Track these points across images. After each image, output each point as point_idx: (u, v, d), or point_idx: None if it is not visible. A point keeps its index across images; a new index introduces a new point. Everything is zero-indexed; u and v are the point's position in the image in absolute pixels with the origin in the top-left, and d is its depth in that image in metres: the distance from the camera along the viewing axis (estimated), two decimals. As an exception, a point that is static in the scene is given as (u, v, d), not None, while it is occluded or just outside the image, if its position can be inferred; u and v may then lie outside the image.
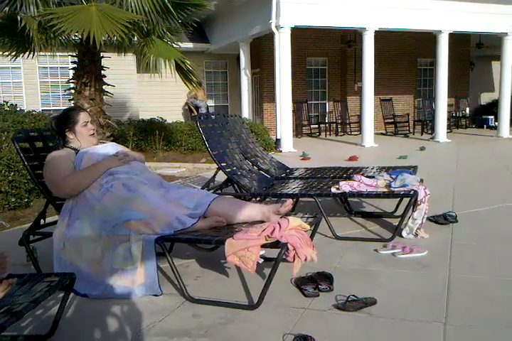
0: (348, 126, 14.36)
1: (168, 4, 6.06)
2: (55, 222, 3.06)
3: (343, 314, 2.43)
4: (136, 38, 6.41)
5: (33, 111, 9.08)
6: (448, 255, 3.31)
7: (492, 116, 15.31)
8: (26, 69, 11.72)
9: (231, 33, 12.38)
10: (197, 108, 13.53)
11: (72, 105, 6.51)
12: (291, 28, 10.07)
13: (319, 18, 10.19)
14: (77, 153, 3.01)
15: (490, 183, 6.11)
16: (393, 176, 3.96)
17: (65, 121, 3.07)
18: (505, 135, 12.50)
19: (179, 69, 6.54)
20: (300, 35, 12.10)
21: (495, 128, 13.57)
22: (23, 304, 1.87)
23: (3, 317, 1.76)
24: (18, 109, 8.83)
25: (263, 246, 2.52)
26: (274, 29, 10.06)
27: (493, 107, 14.57)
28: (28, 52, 6.32)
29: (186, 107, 14.03)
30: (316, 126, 14.15)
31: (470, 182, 6.22)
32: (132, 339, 2.25)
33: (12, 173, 4.93)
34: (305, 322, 2.37)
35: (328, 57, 14.64)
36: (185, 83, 6.89)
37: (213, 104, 15.03)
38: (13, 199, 4.84)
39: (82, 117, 3.09)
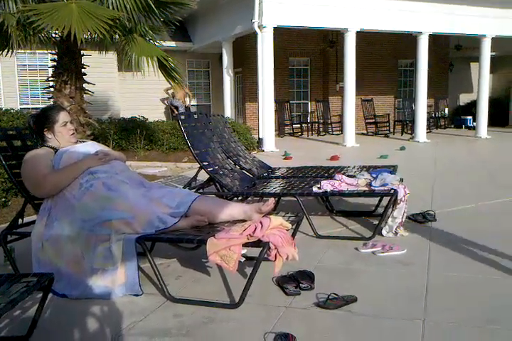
0: (329, 126, 14.45)
1: (151, 2, 6.01)
2: (33, 222, 3.01)
3: (324, 312, 2.45)
4: (117, 36, 6.34)
5: (11, 109, 8.92)
6: (427, 253, 3.36)
7: (470, 117, 15.58)
8: (4, 67, 11.51)
9: (214, 32, 12.35)
10: (176, 108, 13.48)
11: (52, 103, 6.41)
12: (274, 27, 10.09)
13: (302, 18, 10.23)
14: (56, 152, 2.96)
15: (468, 182, 6.21)
16: (374, 175, 4.00)
17: (43, 120, 3.02)
18: (483, 135, 12.73)
19: (162, 66, 6.50)
20: (283, 35, 12.14)
21: (473, 128, 13.82)
22: (0, 305, 1.84)
23: (-21, 318, 1.73)
24: (-5, 107, 8.68)
25: (245, 245, 2.53)
26: (256, 29, 10.07)
27: (472, 108, 14.83)
28: (6, 50, 6.21)
29: (166, 102, 13.94)
30: (298, 125, 14.21)
31: (448, 181, 6.31)
32: (112, 340, 2.23)
33: (-11, 172, 4.85)
34: (286, 320, 2.38)
35: (310, 57, 14.71)
36: (168, 80, 6.85)
37: (196, 104, 14.97)
38: (-10, 199, 4.76)
39: (62, 117, 3.04)
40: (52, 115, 3.02)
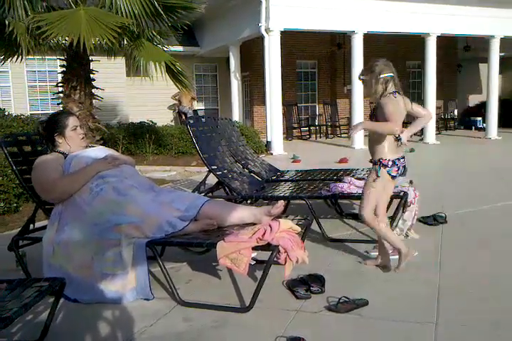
0: (338, 129, 14.41)
1: (159, 7, 6.04)
2: (44, 227, 3.03)
3: (334, 315, 2.44)
4: (125, 42, 6.39)
5: (21, 115, 9.00)
6: (438, 256, 3.34)
7: (480, 118, 15.46)
8: (14, 73, 11.62)
9: (221, 37, 12.39)
10: (185, 114, 13.53)
11: (61, 109, 6.46)
12: (281, 31, 10.10)
13: (308, 21, 10.23)
14: (65, 157, 2.99)
15: (479, 184, 6.16)
16: (383, 178, 3.97)
17: (53, 125, 3.04)
18: (493, 136, 12.63)
19: (169, 71, 6.53)
20: (289, 38, 12.13)
21: (483, 129, 13.70)
22: (12, 309, 1.85)
23: (-8, 323, 1.74)
24: (6, 113, 8.75)
25: (254, 248, 2.53)
26: (263, 32, 10.09)
27: (481, 109, 14.72)
28: (16, 56, 6.27)
29: (175, 110, 13.99)
30: (306, 128, 14.18)
31: (459, 183, 6.27)
32: (124, 344, 2.24)
33: (0, 178, 4.88)
34: (297, 324, 2.37)
35: (317, 60, 14.70)
36: (176, 85, 6.88)
37: (203, 108, 15.01)
38: (1, 204, 4.79)
39: (72, 121, 3.06)
40: (62, 120, 3.05)
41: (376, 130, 2.97)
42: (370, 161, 3.07)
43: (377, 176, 2.96)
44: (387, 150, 2.95)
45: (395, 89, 2.94)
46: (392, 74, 2.96)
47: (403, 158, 3.00)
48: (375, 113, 3.02)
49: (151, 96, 13.37)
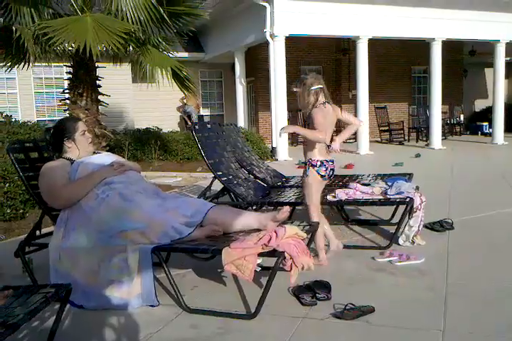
0: (343, 134, 14.38)
1: (164, 14, 6.09)
2: (50, 233, 3.04)
3: (341, 322, 2.42)
4: (131, 48, 6.43)
5: (28, 121, 9.07)
6: (445, 262, 3.31)
7: (486, 123, 15.39)
8: (21, 80, 11.71)
9: (226, 42, 12.44)
10: (189, 116, 13.56)
11: (67, 115, 6.50)
12: (286, 36, 10.13)
13: (313, 26, 10.26)
14: (72, 164, 3.00)
15: (485, 190, 6.13)
16: (389, 183, 3.97)
17: (62, 130, 3.06)
18: (500, 141, 12.56)
19: (175, 77, 6.56)
20: (294, 43, 12.17)
21: (489, 134, 13.64)
22: (19, 316, 1.85)
23: (-2, 329, 1.74)
24: (13, 119, 8.81)
25: (260, 254, 2.52)
26: (268, 38, 10.12)
27: (488, 114, 14.66)
28: (23, 63, 6.33)
29: (181, 114, 14.05)
30: (312, 134, 14.16)
31: (465, 189, 6.24)
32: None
33: (7, 184, 4.91)
34: (303, 331, 2.36)
35: (322, 65, 14.71)
36: (182, 90, 6.91)
37: (209, 113, 15.05)
38: (8, 211, 4.82)
39: (80, 126, 3.11)
40: (71, 125, 3.09)
41: (305, 135, 3.29)
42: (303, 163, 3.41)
43: (306, 175, 3.31)
44: (317, 153, 3.29)
45: (325, 100, 3.28)
46: (321, 86, 3.28)
47: (332, 161, 3.35)
48: (308, 121, 3.32)
49: (157, 102, 13.42)
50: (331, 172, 3.35)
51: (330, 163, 3.33)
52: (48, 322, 2.52)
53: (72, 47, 5.91)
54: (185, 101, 13.51)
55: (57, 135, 3.07)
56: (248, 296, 2.79)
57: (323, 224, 3.43)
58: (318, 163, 3.28)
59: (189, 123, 13.40)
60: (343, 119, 3.43)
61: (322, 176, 3.30)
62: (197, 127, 4.17)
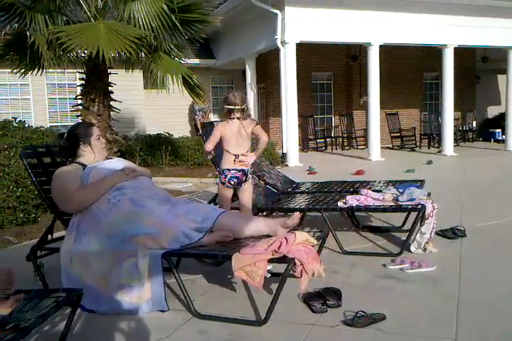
0: (354, 140, 14.35)
1: (176, 21, 6.14)
2: (62, 237, 3.06)
3: (351, 330, 2.40)
4: (143, 54, 6.49)
5: (41, 127, 9.16)
6: (457, 270, 3.28)
7: (499, 130, 15.24)
8: (35, 86, 11.86)
9: (237, 49, 12.51)
10: (196, 122, 13.63)
11: (80, 121, 6.56)
12: (297, 43, 10.16)
13: (324, 33, 10.27)
14: (84, 169, 3.02)
15: (498, 197, 6.06)
16: (400, 190, 3.94)
17: (78, 135, 3.09)
18: (513, 148, 12.44)
19: (186, 83, 6.60)
20: (305, 50, 12.19)
21: (502, 141, 13.51)
22: (30, 320, 1.87)
23: (10, 333, 1.75)
24: (26, 125, 8.91)
25: (270, 261, 2.51)
26: (279, 45, 10.15)
27: (500, 120, 14.52)
28: (36, 69, 6.41)
29: (193, 122, 14.12)
30: (323, 140, 14.15)
31: (478, 196, 6.17)
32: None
33: (20, 189, 4.96)
34: (313, 338, 2.34)
35: (333, 71, 14.71)
36: (192, 97, 6.96)
37: (219, 119, 15.10)
38: (20, 215, 4.86)
39: (95, 131, 3.16)
40: (87, 129, 3.14)
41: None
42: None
43: (216, 182, 3.78)
44: (224, 162, 3.68)
45: (238, 116, 3.64)
46: (232, 107, 3.62)
47: (238, 170, 3.62)
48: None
49: (168, 108, 13.50)
50: (233, 181, 3.62)
51: (233, 171, 3.62)
52: (58, 326, 2.53)
53: (84, 53, 5.98)
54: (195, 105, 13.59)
55: (73, 139, 3.10)
56: (258, 302, 2.78)
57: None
58: (222, 172, 3.66)
59: (200, 130, 13.45)
60: (255, 134, 3.77)
61: (223, 183, 3.65)
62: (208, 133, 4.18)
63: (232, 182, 3.64)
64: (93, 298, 2.72)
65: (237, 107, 3.63)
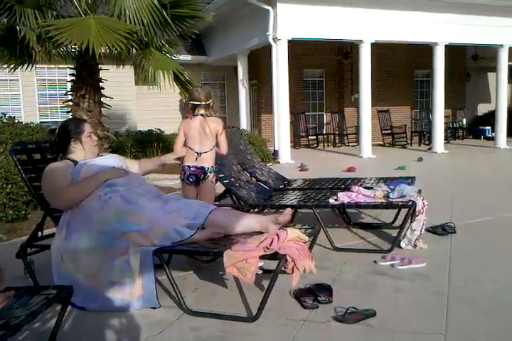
0: (345, 137, 14.40)
1: (167, 16, 6.10)
2: (53, 234, 3.04)
3: (342, 326, 2.42)
4: (134, 50, 6.45)
5: (31, 123, 9.08)
6: (447, 266, 3.31)
7: (489, 127, 15.37)
8: (24, 82, 11.74)
9: (229, 45, 12.47)
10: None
11: (71, 117, 6.52)
12: (289, 40, 10.15)
13: (316, 30, 10.28)
14: (75, 165, 3.00)
15: (488, 194, 6.11)
16: (391, 187, 3.97)
17: (69, 131, 3.05)
18: (503, 146, 12.55)
19: (177, 80, 6.57)
20: (297, 47, 12.19)
21: (492, 139, 13.63)
22: (20, 317, 1.85)
23: (0, 330, 1.74)
24: (16, 121, 8.84)
25: (262, 257, 2.51)
26: (271, 41, 10.14)
27: (490, 118, 14.64)
28: (26, 65, 6.35)
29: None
30: (314, 137, 14.18)
31: (468, 193, 6.22)
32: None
33: (10, 185, 4.92)
34: (304, 334, 2.36)
35: (325, 68, 14.73)
36: (183, 93, 6.93)
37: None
38: (10, 212, 4.82)
39: (87, 128, 3.11)
40: (78, 126, 3.08)
41: None
42: None
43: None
44: (186, 159, 3.63)
45: (203, 113, 3.59)
46: (197, 102, 3.58)
47: (195, 167, 3.57)
48: None
49: (159, 105, 13.45)
50: (192, 178, 3.60)
51: (193, 168, 3.59)
52: (49, 323, 2.52)
53: (74, 48, 5.93)
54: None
55: (64, 135, 3.06)
56: (249, 299, 2.79)
57: None
58: (182, 168, 3.64)
59: None
60: (218, 141, 3.66)
61: (182, 180, 3.66)
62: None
63: (191, 180, 3.60)
64: (84, 295, 2.71)
65: (202, 103, 3.56)
